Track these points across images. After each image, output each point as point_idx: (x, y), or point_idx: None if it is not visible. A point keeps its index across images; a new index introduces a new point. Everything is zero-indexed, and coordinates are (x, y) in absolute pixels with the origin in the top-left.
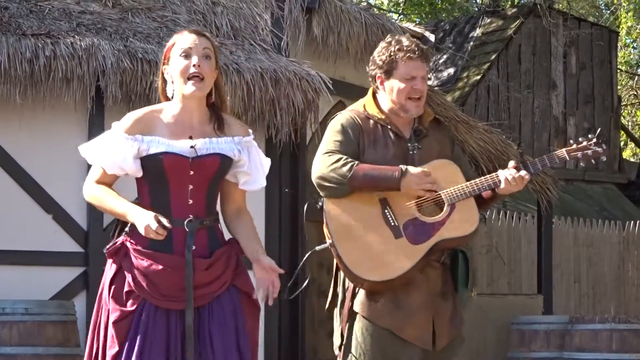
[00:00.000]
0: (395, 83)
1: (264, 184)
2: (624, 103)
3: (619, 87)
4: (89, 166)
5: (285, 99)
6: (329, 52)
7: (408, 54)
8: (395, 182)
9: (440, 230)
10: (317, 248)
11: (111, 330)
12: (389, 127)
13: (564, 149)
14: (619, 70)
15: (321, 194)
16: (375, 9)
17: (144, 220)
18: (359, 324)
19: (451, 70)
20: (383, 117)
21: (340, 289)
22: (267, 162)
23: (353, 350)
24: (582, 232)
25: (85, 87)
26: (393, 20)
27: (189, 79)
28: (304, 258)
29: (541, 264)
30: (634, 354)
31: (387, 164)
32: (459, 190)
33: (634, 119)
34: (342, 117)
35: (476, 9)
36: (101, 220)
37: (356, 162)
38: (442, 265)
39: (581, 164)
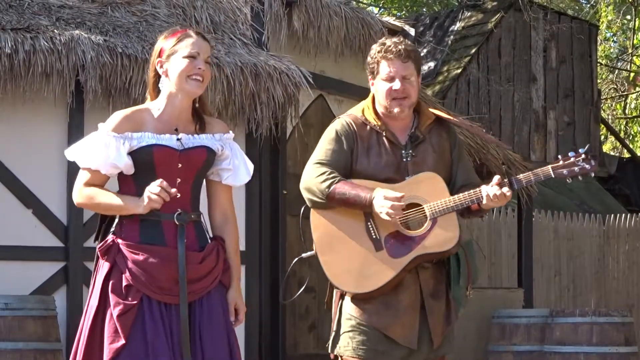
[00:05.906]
0: (379, 84)
1: (246, 180)
2: (604, 96)
3: (599, 81)
4: (69, 161)
5: (266, 93)
6: (309, 46)
7: (384, 54)
8: (367, 204)
9: (420, 245)
10: (304, 255)
11: (114, 324)
12: (384, 133)
13: (549, 166)
14: (599, 64)
15: (307, 203)
16: (355, 3)
17: (144, 195)
18: (348, 322)
19: (431, 64)
20: (379, 123)
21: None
22: (250, 163)
23: (343, 348)
24: (563, 225)
25: (64, 81)
26: (373, 14)
27: (190, 77)
28: (291, 265)
29: (521, 258)
30: (614, 347)
31: (380, 173)
32: (441, 205)
33: (614, 113)
34: (337, 123)
35: (456, 3)
36: (81, 215)
37: (338, 178)
38: (434, 265)
39: (568, 180)
